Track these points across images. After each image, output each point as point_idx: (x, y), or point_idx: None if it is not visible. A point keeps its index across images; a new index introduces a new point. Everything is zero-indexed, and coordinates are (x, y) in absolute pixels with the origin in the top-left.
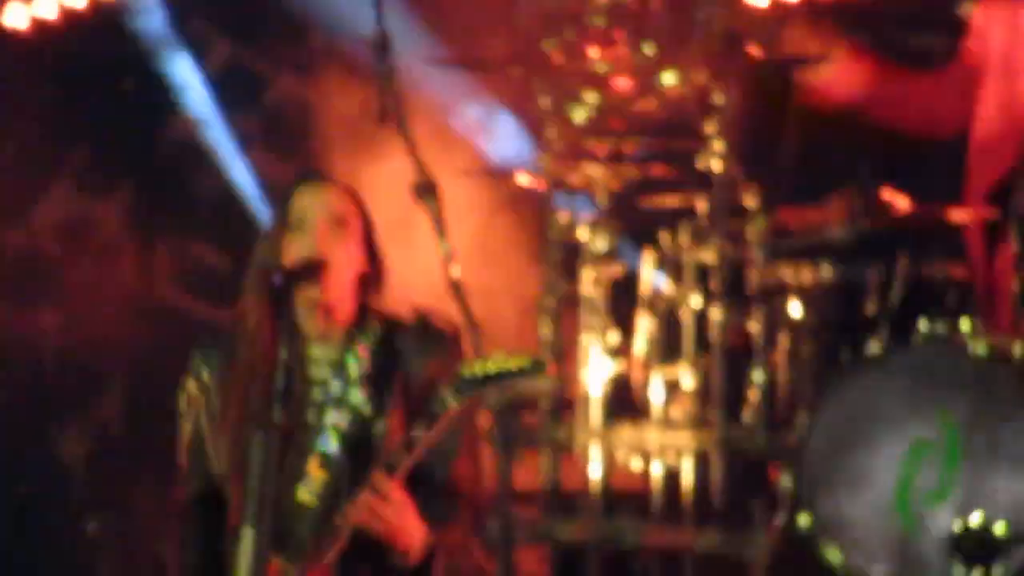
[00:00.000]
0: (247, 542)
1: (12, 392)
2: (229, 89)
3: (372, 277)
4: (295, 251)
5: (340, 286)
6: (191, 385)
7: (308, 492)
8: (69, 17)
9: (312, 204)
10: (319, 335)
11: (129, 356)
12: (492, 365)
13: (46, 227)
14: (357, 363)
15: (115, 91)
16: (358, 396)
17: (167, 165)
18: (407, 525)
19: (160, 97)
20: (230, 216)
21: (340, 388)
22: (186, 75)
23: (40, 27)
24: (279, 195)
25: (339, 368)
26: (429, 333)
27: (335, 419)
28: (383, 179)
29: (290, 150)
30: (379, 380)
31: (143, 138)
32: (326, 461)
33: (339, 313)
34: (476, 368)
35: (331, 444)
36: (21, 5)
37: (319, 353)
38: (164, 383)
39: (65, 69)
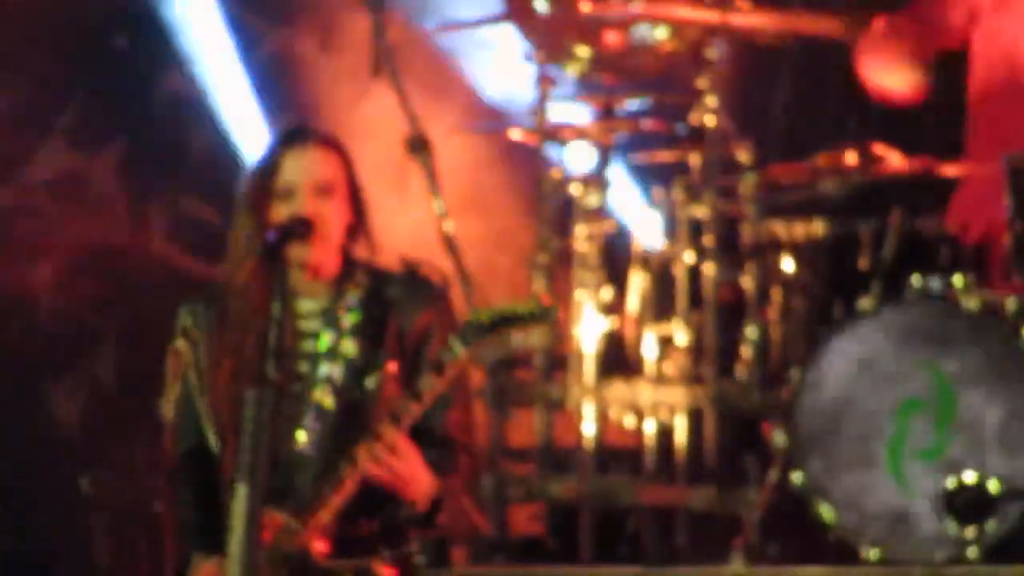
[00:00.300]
0: (241, 497)
1: (5, 349)
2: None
3: (357, 229)
4: (282, 213)
5: (327, 246)
6: (179, 342)
7: (305, 444)
8: None
9: (298, 171)
10: (306, 289)
11: (122, 312)
12: (499, 311)
13: (39, 184)
14: (348, 314)
15: (108, 48)
16: (351, 347)
17: (160, 121)
18: (415, 475)
19: (153, 53)
20: (223, 172)
21: (332, 339)
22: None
23: None
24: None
25: (330, 319)
26: (418, 283)
27: (328, 370)
28: (376, 130)
29: (282, 107)
30: (371, 331)
31: (136, 94)
32: (321, 412)
33: (326, 268)
34: (483, 315)
35: (326, 395)
36: None
37: (308, 306)
38: (158, 339)
39: (57, 26)
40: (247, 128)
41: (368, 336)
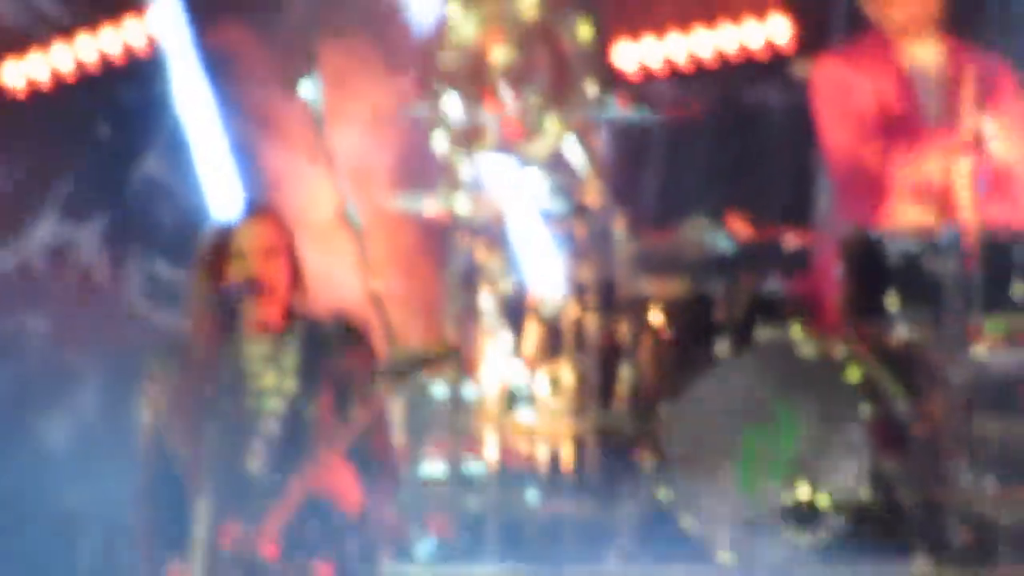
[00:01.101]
0: (203, 511)
1: (2, 385)
2: None
3: (297, 286)
4: (236, 274)
5: (273, 299)
6: (149, 385)
7: (256, 466)
8: (55, 77)
9: (250, 237)
10: (255, 337)
11: (104, 355)
12: (415, 353)
13: (35, 248)
14: (288, 357)
15: (92, 136)
16: (291, 384)
17: (136, 198)
18: (348, 489)
19: (130, 141)
20: (189, 240)
21: (276, 378)
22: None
23: (31, 85)
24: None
25: (274, 362)
26: (347, 330)
27: (273, 405)
28: (316, 204)
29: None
30: (307, 370)
31: (116, 175)
32: (268, 439)
33: (272, 319)
34: (401, 356)
35: (271, 425)
36: (14, 63)
37: (256, 351)
38: (133, 377)
39: (51, 118)
40: (218, 198)
41: (305, 375)
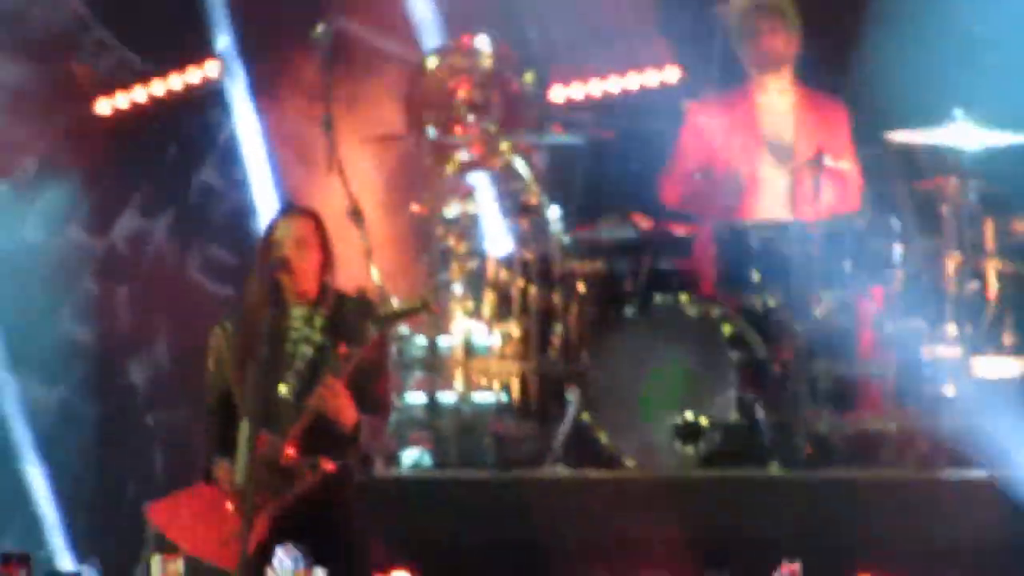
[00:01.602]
0: (244, 429)
1: (98, 338)
2: None
3: (327, 267)
4: (274, 257)
5: (304, 277)
6: (216, 332)
7: (286, 393)
8: (135, 109)
9: (284, 231)
10: (295, 302)
11: (172, 316)
12: (398, 307)
13: (120, 237)
14: (318, 318)
15: (163, 153)
16: (318, 337)
17: (196, 199)
18: (346, 409)
19: (192, 157)
20: (236, 231)
21: (308, 332)
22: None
23: (118, 114)
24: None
25: (308, 321)
26: (363, 300)
27: (303, 350)
28: (330, 204)
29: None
30: (331, 328)
31: (181, 182)
32: (297, 375)
33: (307, 290)
34: (388, 309)
35: (300, 365)
36: (105, 100)
37: (296, 313)
38: (194, 336)
39: (133, 141)
40: (259, 200)
41: (329, 331)
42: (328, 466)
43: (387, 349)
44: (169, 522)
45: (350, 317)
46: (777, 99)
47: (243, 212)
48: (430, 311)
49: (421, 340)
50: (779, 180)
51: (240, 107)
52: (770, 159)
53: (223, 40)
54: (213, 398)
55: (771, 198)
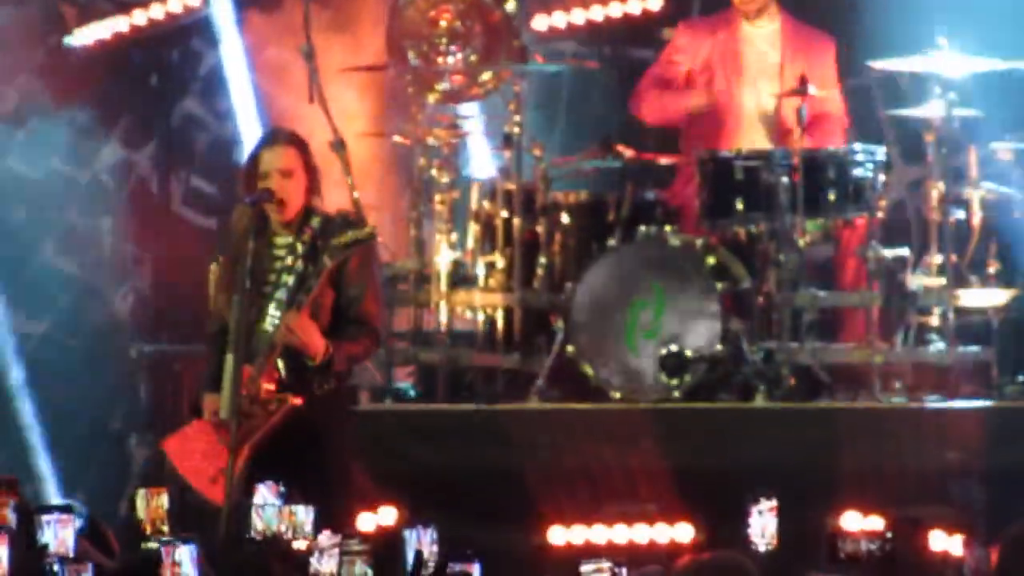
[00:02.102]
0: (228, 363)
1: (82, 270)
2: None
3: (312, 192)
4: (260, 187)
5: (289, 206)
6: (213, 266)
7: (268, 324)
8: (117, 38)
9: (269, 161)
10: (279, 230)
11: (156, 246)
12: (347, 236)
13: (104, 167)
14: (301, 245)
15: (146, 83)
16: (300, 265)
17: (179, 129)
18: (310, 341)
19: (175, 87)
20: (219, 161)
21: (291, 260)
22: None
23: (99, 44)
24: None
25: (291, 248)
26: (345, 222)
27: (286, 279)
28: (312, 133)
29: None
30: (313, 254)
31: (164, 112)
32: (279, 304)
33: (293, 219)
34: (340, 239)
35: (282, 294)
36: (85, 30)
37: (281, 240)
38: (177, 266)
39: (115, 70)
40: (247, 127)
41: (311, 256)
42: (294, 400)
43: (371, 271)
44: (180, 457)
45: (332, 241)
46: (762, 27)
47: (226, 143)
48: (374, 240)
49: (404, 271)
50: (761, 108)
51: (223, 36)
52: (752, 87)
53: None
54: (211, 331)
55: (753, 126)
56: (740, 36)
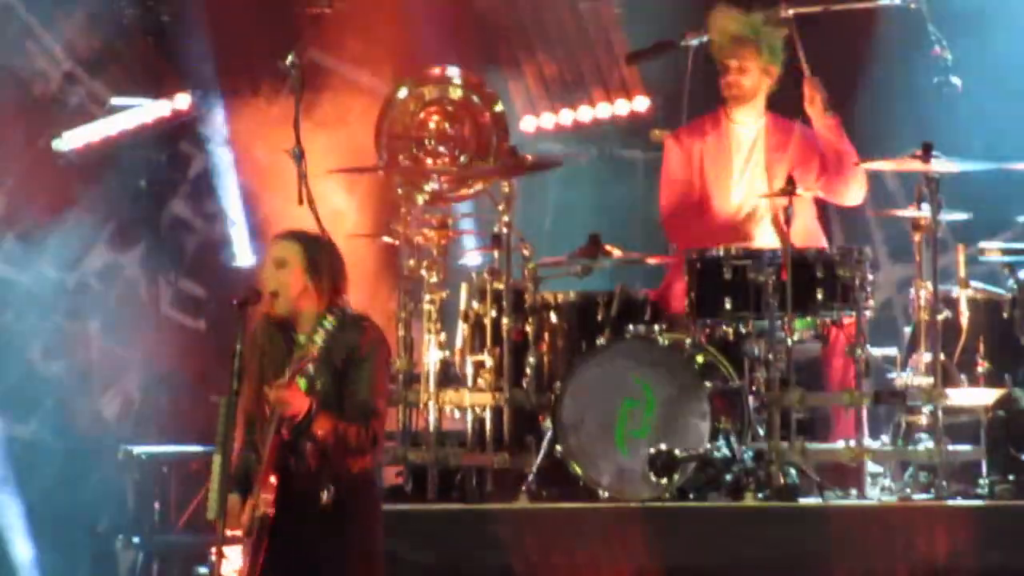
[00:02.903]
0: (216, 463)
1: (69, 372)
2: None
3: (321, 289)
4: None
5: (280, 300)
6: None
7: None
8: (105, 142)
9: (270, 251)
10: (299, 323)
11: (144, 349)
12: (327, 332)
13: (92, 270)
14: (312, 345)
15: (135, 186)
16: (311, 367)
17: (168, 232)
18: (293, 397)
19: (164, 190)
20: (205, 264)
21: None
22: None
23: (87, 146)
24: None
25: (307, 342)
26: (357, 322)
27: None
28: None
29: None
30: (331, 353)
31: (152, 215)
32: None
33: (284, 312)
34: (325, 327)
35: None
36: (75, 134)
37: (301, 339)
38: (166, 367)
39: (103, 173)
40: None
41: (328, 358)
42: (267, 512)
43: (374, 366)
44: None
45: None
46: (746, 126)
47: (214, 245)
48: (382, 340)
49: (394, 371)
50: (752, 206)
51: (212, 139)
52: (740, 185)
53: (194, 73)
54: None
55: (744, 225)
56: (728, 134)
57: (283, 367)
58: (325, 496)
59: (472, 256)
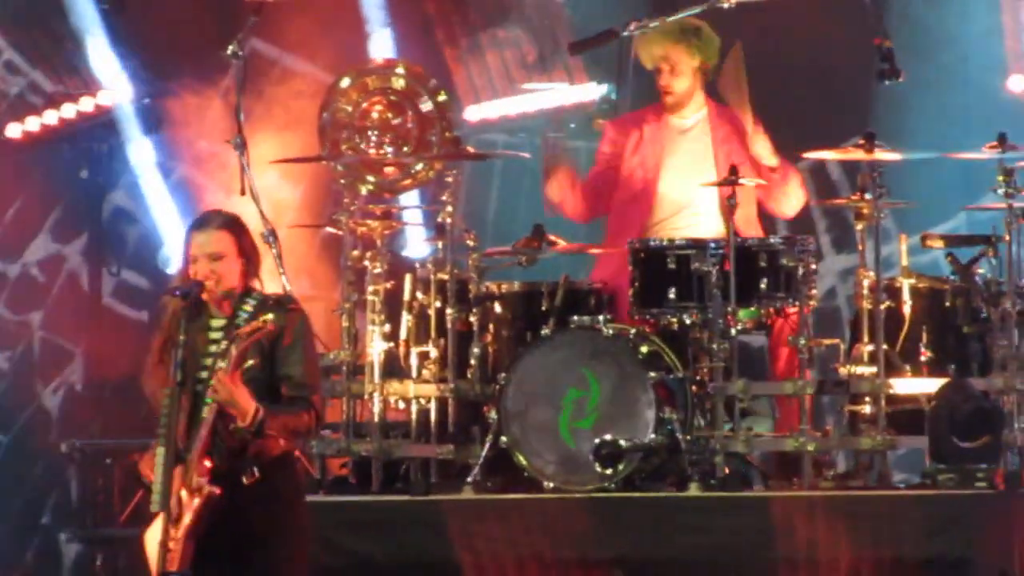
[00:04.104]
0: (159, 455)
1: (11, 364)
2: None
3: (248, 272)
4: (191, 275)
5: (226, 289)
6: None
7: (205, 412)
8: (46, 132)
9: (198, 247)
10: (215, 311)
11: (87, 340)
12: (250, 327)
13: (33, 261)
14: (235, 328)
15: (75, 177)
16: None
17: (109, 222)
18: (238, 396)
19: (104, 181)
20: (148, 254)
21: (226, 344)
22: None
23: (28, 138)
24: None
25: (226, 331)
26: (279, 302)
27: (220, 364)
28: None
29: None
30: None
31: (94, 205)
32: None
33: (224, 302)
34: (244, 330)
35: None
36: (16, 124)
37: (215, 323)
38: (108, 359)
39: (44, 163)
40: (167, 221)
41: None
42: (213, 489)
43: (305, 345)
44: (149, 548)
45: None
46: (687, 118)
47: (156, 235)
48: (304, 316)
49: (338, 362)
50: (688, 197)
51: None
52: (678, 176)
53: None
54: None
55: (680, 215)
56: (667, 126)
57: (200, 356)
58: (247, 478)
59: (417, 247)
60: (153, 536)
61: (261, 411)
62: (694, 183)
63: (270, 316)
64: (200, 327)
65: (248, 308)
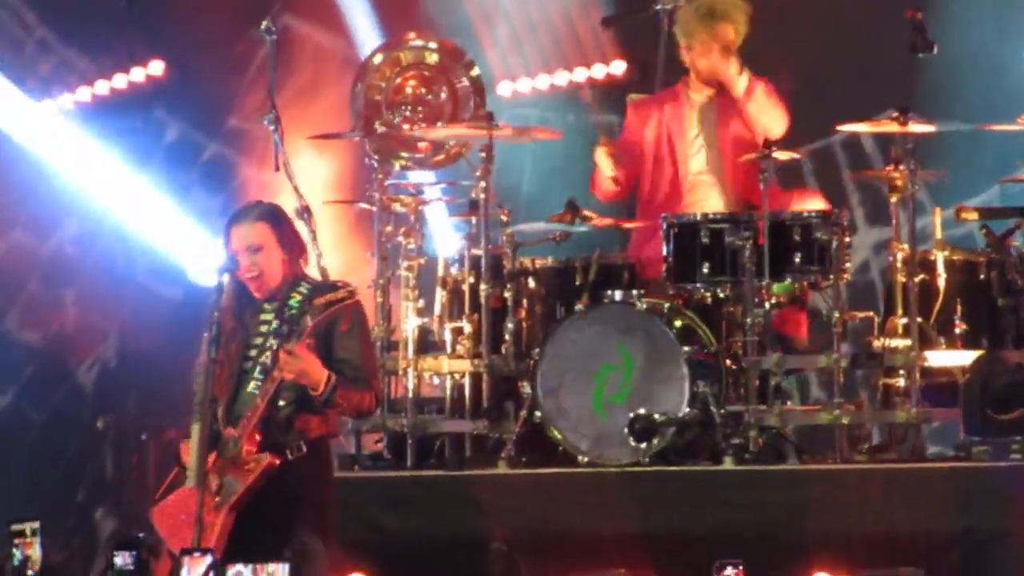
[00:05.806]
0: (195, 432)
1: (48, 342)
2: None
3: (291, 260)
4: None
5: (264, 279)
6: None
7: (253, 388)
8: (78, 106)
9: (237, 240)
10: (264, 299)
11: (120, 318)
12: (326, 298)
13: (67, 239)
14: (288, 310)
15: (109, 154)
16: (285, 329)
17: None
18: (311, 365)
19: (137, 156)
20: None
21: (277, 324)
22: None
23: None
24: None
25: (278, 314)
26: (332, 286)
27: (271, 343)
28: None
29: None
30: (299, 318)
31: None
32: (264, 368)
33: (273, 288)
34: (320, 301)
35: (268, 358)
36: (50, 100)
37: (267, 307)
38: (143, 336)
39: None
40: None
41: (296, 319)
42: (272, 459)
43: (361, 332)
44: (165, 525)
45: (313, 302)
46: (701, 93)
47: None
48: (358, 301)
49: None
50: (712, 174)
51: (184, 106)
52: (701, 151)
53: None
54: (199, 395)
55: (705, 192)
56: (687, 104)
57: (250, 338)
58: (292, 452)
59: (447, 240)
60: (170, 512)
61: (334, 378)
62: (709, 158)
63: (349, 291)
64: (251, 308)
65: (301, 293)
